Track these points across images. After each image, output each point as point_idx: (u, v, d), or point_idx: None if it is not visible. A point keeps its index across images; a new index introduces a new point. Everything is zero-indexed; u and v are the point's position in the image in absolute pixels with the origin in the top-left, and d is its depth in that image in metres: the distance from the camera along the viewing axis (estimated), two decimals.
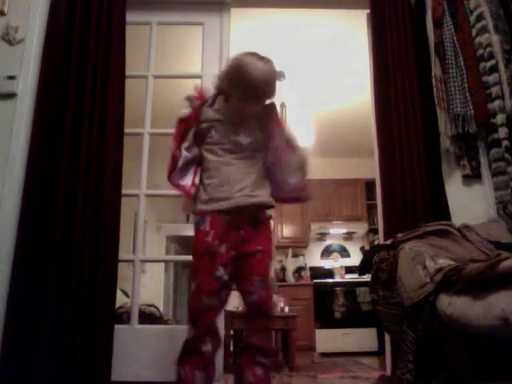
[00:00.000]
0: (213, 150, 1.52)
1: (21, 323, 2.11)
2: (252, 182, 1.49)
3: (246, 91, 1.45)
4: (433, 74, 2.51)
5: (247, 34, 3.64)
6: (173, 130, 1.62)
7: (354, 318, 5.28)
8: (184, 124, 1.56)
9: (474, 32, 2.50)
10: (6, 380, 2.03)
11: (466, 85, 2.44)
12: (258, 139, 1.54)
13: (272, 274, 1.57)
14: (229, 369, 2.83)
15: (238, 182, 1.47)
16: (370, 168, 3.34)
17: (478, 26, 2.48)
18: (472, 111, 2.39)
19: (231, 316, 3.16)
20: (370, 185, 5.76)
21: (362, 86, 3.73)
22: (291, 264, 6.02)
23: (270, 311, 1.50)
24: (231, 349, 3.49)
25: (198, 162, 1.58)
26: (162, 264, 6.30)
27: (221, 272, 1.41)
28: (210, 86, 1.59)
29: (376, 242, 5.30)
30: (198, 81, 2.72)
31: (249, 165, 1.51)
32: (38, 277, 2.16)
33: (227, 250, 1.44)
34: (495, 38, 2.42)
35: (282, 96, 4.47)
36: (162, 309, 4.76)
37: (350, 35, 3.63)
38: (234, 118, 1.52)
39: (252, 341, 1.43)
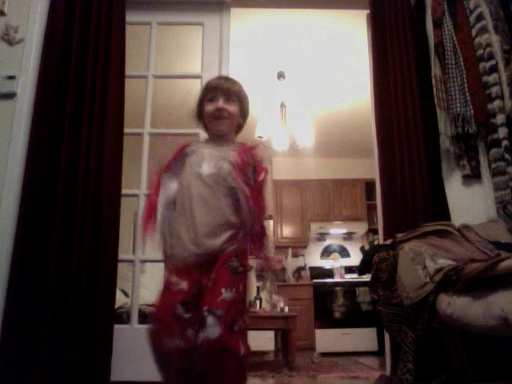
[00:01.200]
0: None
1: (20, 323, 2.10)
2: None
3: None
4: (433, 74, 2.51)
5: (247, 34, 3.64)
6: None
7: (353, 318, 5.28)
8: None
9: (473, 32, 2.50)
10: (6, 380, 2.03)
11: (466, 85, 2.44)
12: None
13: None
14: None
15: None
16: (370, 168, 3.34)
17: (478, 26, 2.48)
18: (472, 111, 2.39)
19: None
20: (370, 185, 5.76)
21: (362, 85, 3.72)
22: (291, 264, 6.01)
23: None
24: None
25: None
26: (162, 264, 6.29)
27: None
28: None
29: (376, 242, 5.30)
30: (197, 81, 2.72)
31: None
32: (38, 277, 2.16)
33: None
34: (495, 38, 2.42)
35: (282, 96, 4.48)
36: None
37: (350, 35, 3.63)
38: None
39: None
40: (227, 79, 1.58)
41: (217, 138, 1.50)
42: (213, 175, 1.39)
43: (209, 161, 1.42)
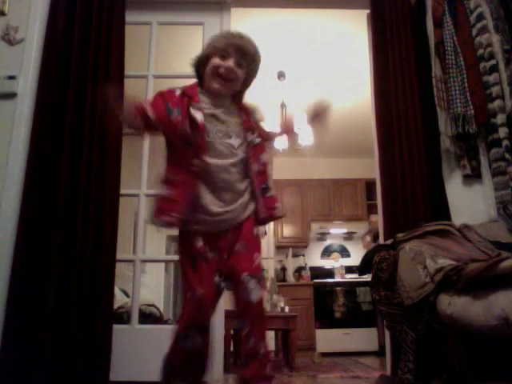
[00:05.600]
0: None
1: (21, 323, 2.11)
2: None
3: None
4: (433, 74, 2.51)
5: (247, 33, 3.64)
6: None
7: (354, 318, 5.28)
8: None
9: (474, 32, 2.50)
10: (7, 379, 2.03)
11: (466, 85, 2.43)
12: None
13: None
14: (229, 369, 2.83)
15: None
16: (370, 168, 3.34)
17: (478, 25, 2.48)
18: (472, 111, 2.39)
19: (231, 316, 3.16)
20: (370, 185, 5.76)
21: (362, 85, 3.73)
22: (291, 264, 6.02)
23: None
24: (231, 349, 3.49)
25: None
26: (162, 264, 6.29)
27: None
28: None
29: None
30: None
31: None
32: (39, 277, 2.16)
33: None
34: (495, 38, 2.42)
35: (282, 96, 4.48)
36: (162, 309, 4.75)
37: (350, 35, 3.63)
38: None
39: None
40: (247, 40, 1.44)
41: (216, 96, 1.41)
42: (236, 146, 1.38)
43: (234, 132, 1.39)
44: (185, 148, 1.32)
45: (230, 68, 1.36)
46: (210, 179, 1.34)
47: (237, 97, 1.47)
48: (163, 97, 1.38)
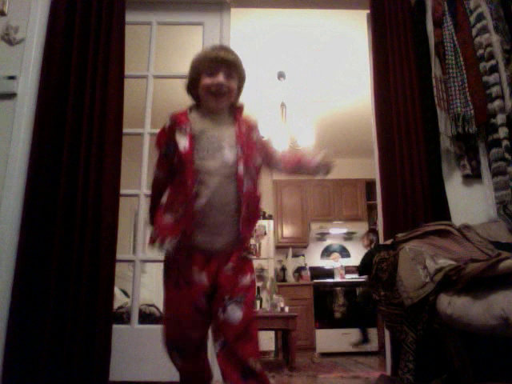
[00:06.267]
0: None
1: (22, 323, 2.11)
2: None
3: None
4: (433, 74, 2.51)
5: (247, 34, 3.64)
6: None
7: (354, 318, 5.28)
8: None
9: (474, 32, 2.50)
10: (10, 379, 2.04)
11: (466, 85, 2.44)
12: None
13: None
14: None
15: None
16: (370, 168, 3.34)
17: (478, 25, 2.48)
18: (472, 111, 2.39)
19: None
20: (370, 185, 5.77)
21: (362, 85, 3.73)
22: (291, 264, 6.02)
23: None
24: None
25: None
26: (162, 264, 6.31)
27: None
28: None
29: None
30: None
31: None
32: (39, 277, 2.16)
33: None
34: (495, 38, 2.42)
35: (282, 96, 4.48)
36: (162, 309, 4.76)
37: (350, 35, 3.63)
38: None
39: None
40: (228, 51, 1.42)
41: (212, 113, 1.40)
42: (231, 158, 1.33)
43: (228, 144, 1.34)
44: (179, 170, 1.32)
45: (220, 83, 1.35)
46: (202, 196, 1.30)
47: (233, 108, 1.45)
48: (158, 145, 1.42)
